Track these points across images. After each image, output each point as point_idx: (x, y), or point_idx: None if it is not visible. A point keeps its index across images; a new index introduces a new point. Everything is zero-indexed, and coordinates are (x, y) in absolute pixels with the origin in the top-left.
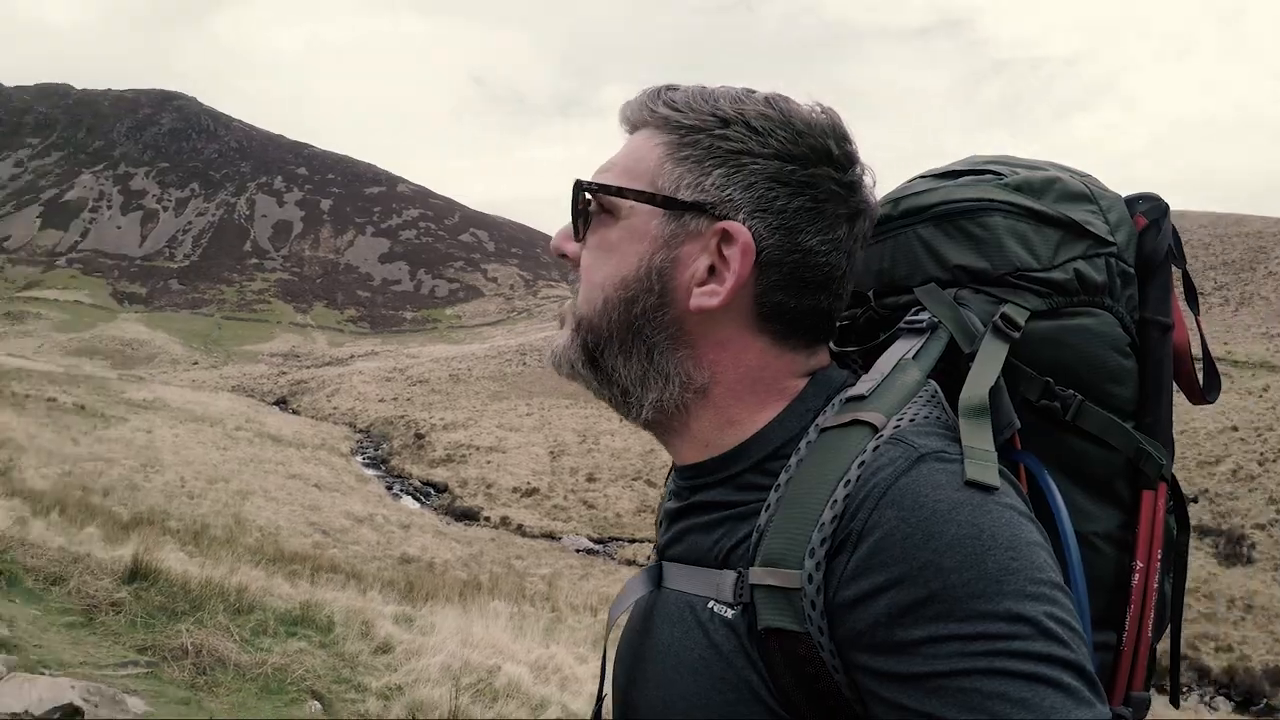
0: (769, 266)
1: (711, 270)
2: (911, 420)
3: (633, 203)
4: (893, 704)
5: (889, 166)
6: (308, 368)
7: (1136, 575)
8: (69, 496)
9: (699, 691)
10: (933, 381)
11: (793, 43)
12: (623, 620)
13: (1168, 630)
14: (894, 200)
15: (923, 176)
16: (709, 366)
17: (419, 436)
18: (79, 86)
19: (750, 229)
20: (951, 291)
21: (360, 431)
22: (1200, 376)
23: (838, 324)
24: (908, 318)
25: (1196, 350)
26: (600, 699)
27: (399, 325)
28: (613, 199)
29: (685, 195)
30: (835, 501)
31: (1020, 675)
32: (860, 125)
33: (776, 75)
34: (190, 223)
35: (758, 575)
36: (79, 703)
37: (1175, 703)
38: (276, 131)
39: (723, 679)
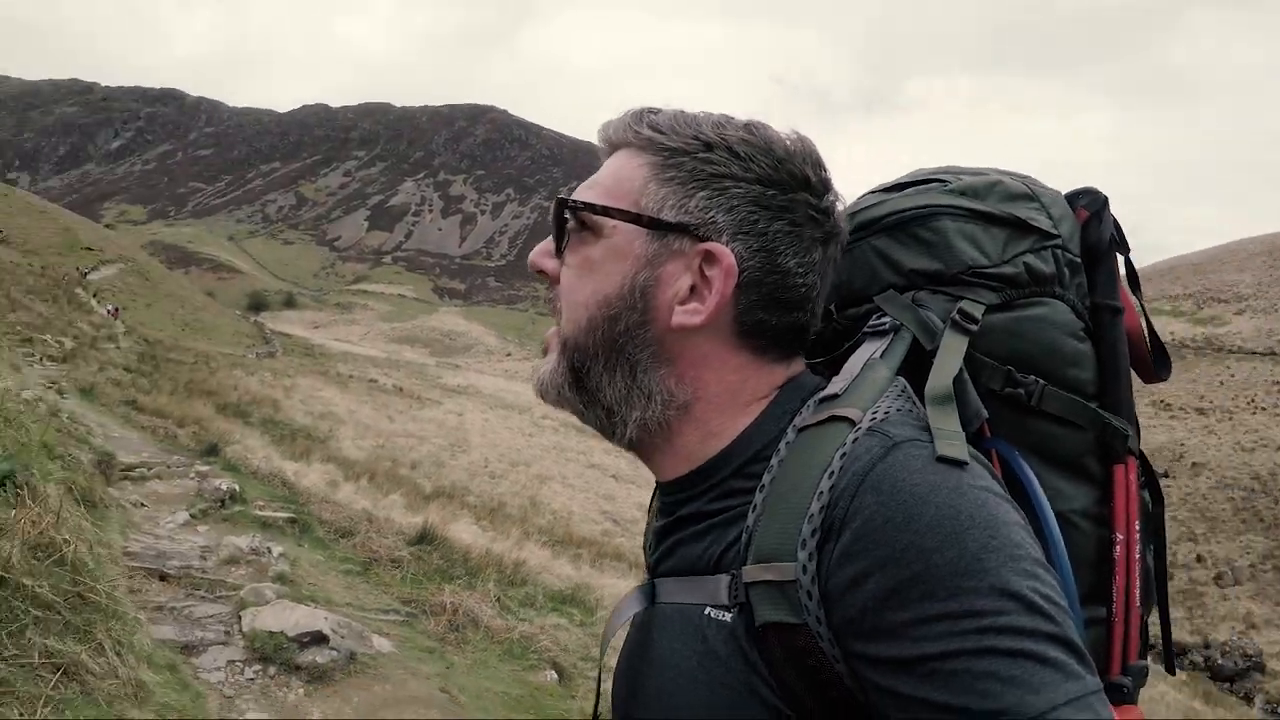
0: (749, 286)
1: (692, 289)
2: (886, 413)
3: (616, 222)
4: (888, 690)
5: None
6: None
7: (1118, 547)
8: (379, 466)
9: (700, 699)
10: (901, 378)
11: (1100, 18)
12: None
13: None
14: (849, 215)
15: (872, 191)
16: (690, 383)
17: None
18: (398, 105)
19: (733, 251)
20: (909, 295)
21: None
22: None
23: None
24: (870, 322)
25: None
26: (596, 717)
27: None
28: (596, 217)
29: (669, 216)
30: (821, 493)
31: (1008, 652)
32: (1183, 108)
33: (1082, 57)
34: (506, 225)
35: (752, 573)
36: (327, 631)
37: (1170, 669)
38: (585, 139)
39: (723, 684)
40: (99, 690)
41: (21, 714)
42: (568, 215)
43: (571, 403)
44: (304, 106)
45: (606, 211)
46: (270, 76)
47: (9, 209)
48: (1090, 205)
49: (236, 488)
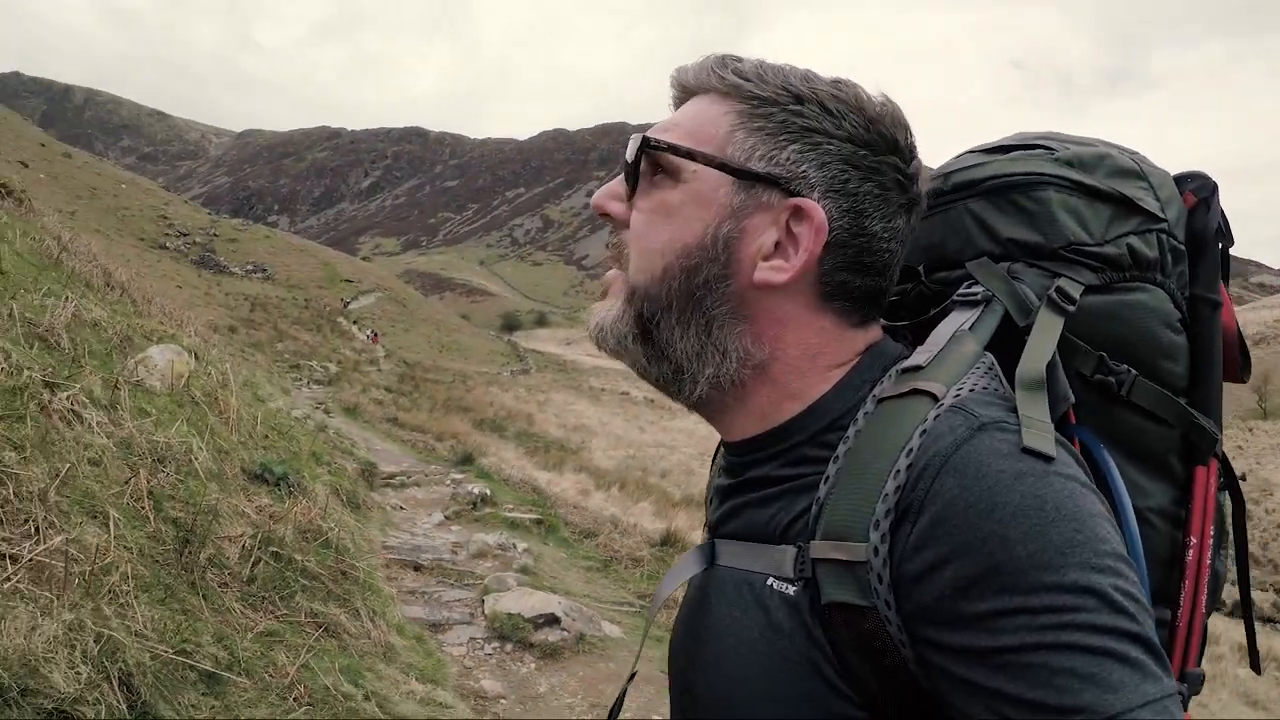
0: (836, 247)
1: (777, 245)
2: (971, 390)
3: (698, 167)
4: (961, 679)
5: None
6: None
7: (1190, 551)
8: (629, 476)
9: (761, 671)
10: (989, 354)
11: None
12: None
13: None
14: (944, 175)
15: (971, 151)
16: (769, 342)
17: None
18: (633, 122)
19: (823, 208)
20: (1004, 265)
21: None
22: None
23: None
24: (961, 290)
25: None
26: (632, 676)
27: None
28: (678, 160)
29: (758, 166)
30: (898, 471)
31: (1087, 649)
32: None
33: None
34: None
35: (820, 549)
36: (560, 614)
37: (1257, 669)
38: None
39: (785, 658)
40: (353, 647)
41: (287, 657)
42: (645, 156)
43: (634, 355)
44: (543, 133)
45: (691, 155)
46: (507, 107)
47: (272, 249)
48: (1199, 191)
49: (488, 492)
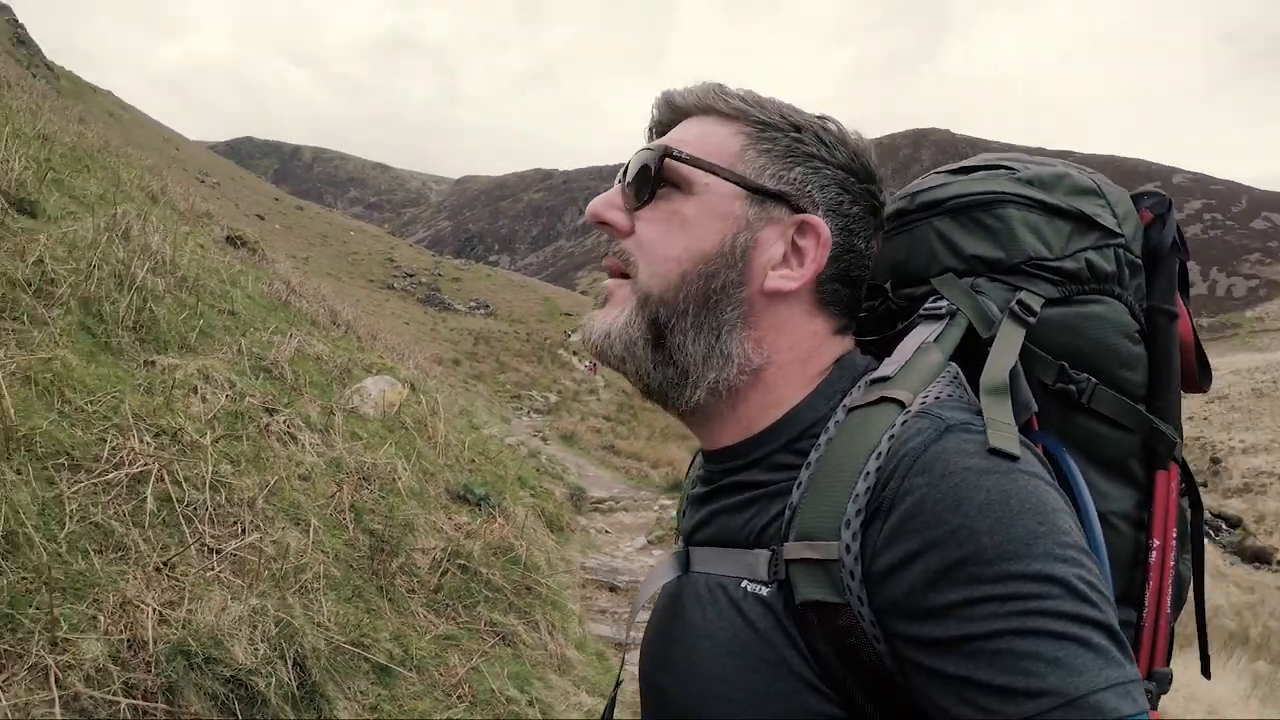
0: (832, 260)
1: (783, 257)
2: (937, 397)
3: (711, 180)
4: (930, 670)
5: None
6: None
7: (1154, 553)
8: None
9: (735, 671)
10: (954, 364)
11: None
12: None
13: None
14: (910, 195)
15: (936, 173)
16: (766, 348)
17: (1214, 462)
18: None
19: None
20: (968, 280)
21: None
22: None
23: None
24: (926, 305)
25: None
26: (618, 684)
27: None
28: (692, 173)
29: (770, 183)
30: (868, 473)
31: (1052, 634)
32: None
33: None
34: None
35: (793, 550)
36: None
37: (1206, 673)
38: (1035, 146)
39: (760, 657)
40: (527, 656)
41: (459, 659)
42: (661, 167)
43: (639, 361)
44: None
45: (713, 169)
46: None
47: (494, 286)
48: (1155, 208)
49: None
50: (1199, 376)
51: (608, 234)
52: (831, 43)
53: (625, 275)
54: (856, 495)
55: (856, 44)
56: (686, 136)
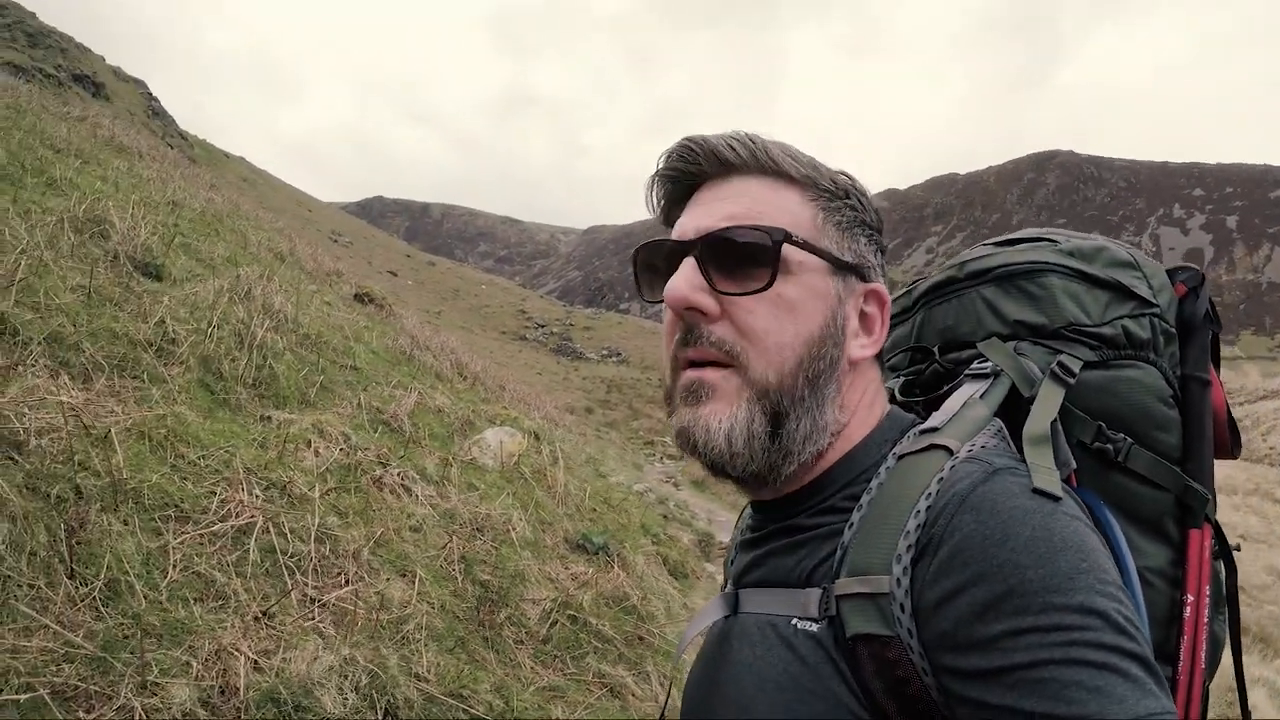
0: None
1: (860, 323)
2: (983, 446)
3: (805, 258)
4: (975, 701)
5: None
6: (1240, 404)
7: (1188, 609)
8: None
9: (784, 704)
10: (998, 419)
11: None
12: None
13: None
14: (959, 264)
15: (984, 244)
16: (848, 408)
17: None
18: (963, 172)
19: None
20: (1012, 344)
21: None
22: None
23: (904, 378)
24: (972, 366)
25: None
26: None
27: None
28: (794, 254)
29: (849, 258)
30: (918, 512)
31: (1093, 664)
32: None
33: None
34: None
35: (844, 586)
36: None
37: None
38: (1160, 160)
39: (810, 691)
40: (636, 709)
41: (564, 711)
42: (779, 253)
43: (755, 453)
44: (874, 195)
45: (818, 251)
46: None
47: (625, 334)
48: (1189, 281)
49: None
50: (1231, 443)
51: (689, 320)
52: (942, 73)
53: (721, 364)
54: (907, 532)
55: (968, 72)
56: (765, 209)
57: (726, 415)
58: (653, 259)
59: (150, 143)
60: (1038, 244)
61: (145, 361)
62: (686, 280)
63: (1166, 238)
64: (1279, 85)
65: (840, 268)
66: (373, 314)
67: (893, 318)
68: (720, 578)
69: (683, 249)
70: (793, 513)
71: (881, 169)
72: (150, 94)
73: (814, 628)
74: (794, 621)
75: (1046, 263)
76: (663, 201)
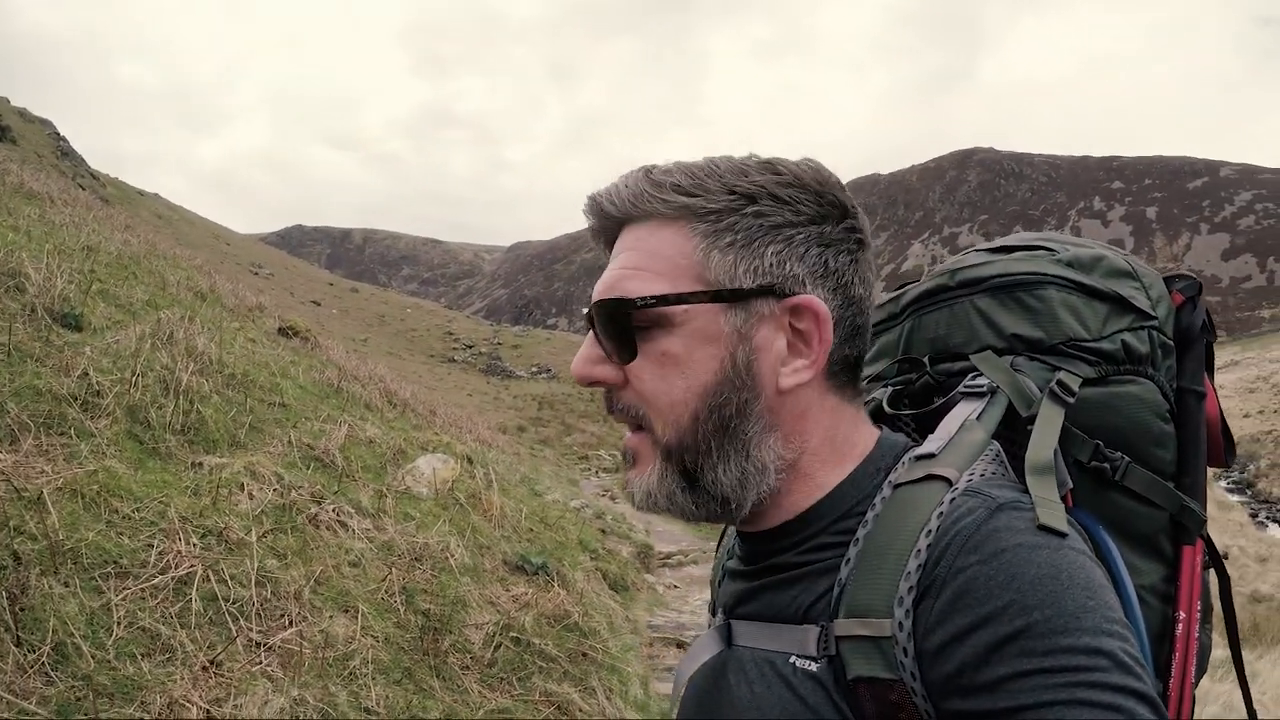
0: (836, 326)
1: (789, 347)
2: (982, 475)
3: (687, 306)
4: None
5: None
6: None
7: (1180, 625)
8: None
9: None
10: (996, 443)
11: None
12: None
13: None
14: (950, 271)
15: (976, 250)
16: (796, 439)
17: None
18: (885, 172)
19: (819, 296)
20: (1008, 359)
21: None
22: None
23: (891, 389)
24: (967, 382)
25: None
26: None
27: (1258, 327)
28: (668, 309)
29: (747, 282)
30: (919, 551)
31: (1100, 705)
32: None
33: None
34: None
35: (845, 627)
36: None
37: None
38: (1080, 154)
39: None
40: None
41: None
42: (630, 321)
43: (683, 505)
44: None
45: (681, 298)
46: None
47: (554, 349)
48: (1186, 290)
49: None
50: (1225, 453)
51: (598, 389)
52: (864, 72)
53: (641, 427)
54: (909, 573)
55: (890, 71)
56: (643, 261)
57: (645, 477)
58: None
59: (61, 185)
60: (1034, 253)
61: (71, 417)
62: (583, 359)
63: (1087, 230)
64: (1197, 78)
65: (735, 298)
66: (298, 347)
67: (879, 325)
68: (661, 589)
69: (589, 321)
70: (782, 548)
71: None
72: (58, 134)
73: (813, 667)
74: (792, 659)
75: (1045, 274)
76: (606, 249)
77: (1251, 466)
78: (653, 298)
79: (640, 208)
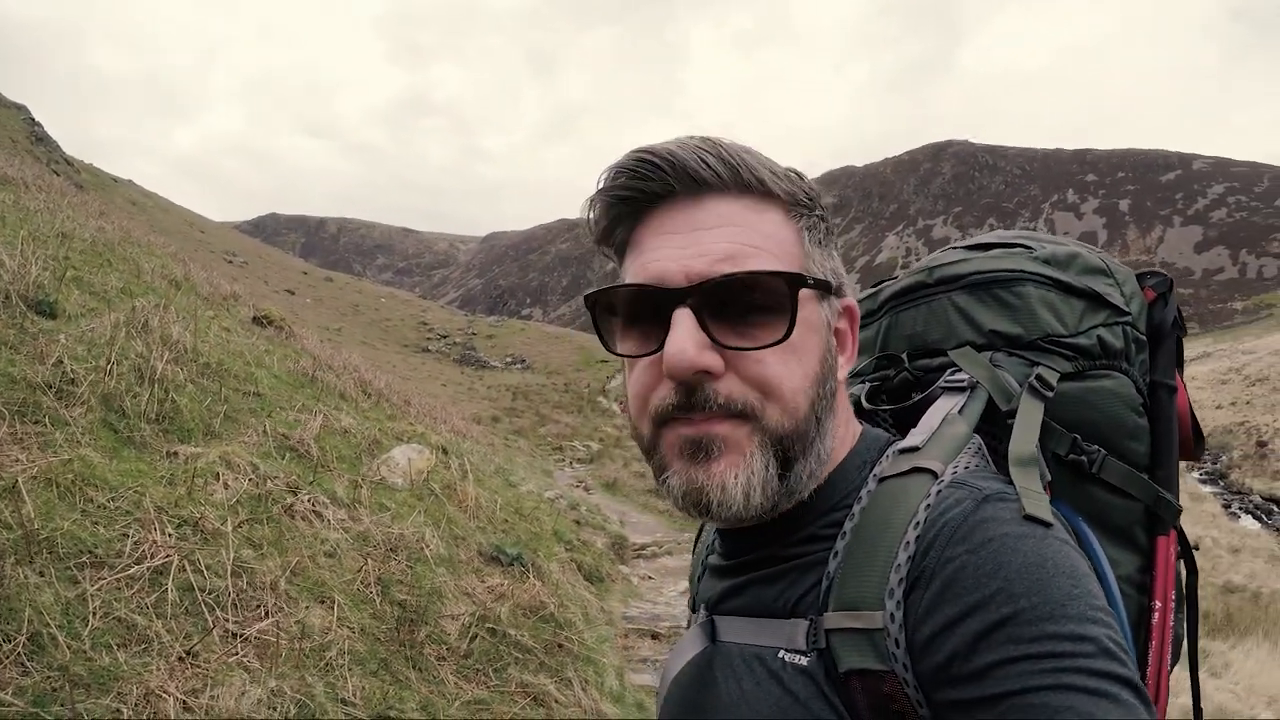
0: None
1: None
2: (966, 467)
3: (803, 292)
4: None
5: None
6: None
7: (1156, 614)
8: None
9: None
10: (977, 436)
11: None
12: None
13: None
14: (928, 269)
15: (953, 248)
16: (833, 432)
17: (1260, 445)
18: (860, 164)
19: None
20: (987, 355)
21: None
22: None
23: (869, 384)
24: (946, 377)
25: None
26: None
27: (1230, 319)
28: (803, 291)
29: (832, 279)
30: (908, 543)
31: (1084, 690)
32: None
33: None
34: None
35: (835, 620)
36: None
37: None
38: (1053, 147)
39: None
40: (559, 715)
41: None
42: (791, 292)
43: (772, 497)
44: None
45: (820, 285)
46: None
47: (528, 339)
48: (1157, 286)
49: None
50: (1195, 446)
51: (692, 381)
52: (844, 63)
53: (739, 416)
54: (898, 565)
55: (869, 61)
56: (756, 240)
57: (742, 469)
58: (622, 305)
59: (35, 171)
60: (1011, 250)
61: (46, 405)
62: (692, 340)
63: (1061, 222)
64: (1171, 72)
65: (827, 292)
66: (272, 336)
67: None
68: (635, 580)
69: (671, 298)
70: (771, 542)
71: (783, 163)
72: (32, 119)
73: (803, 661)
74: (781, 653)
75: (1023, 271)
76: (603, 222)
77: (1224, 458)
78: (811, 278)
79: (745, 179)
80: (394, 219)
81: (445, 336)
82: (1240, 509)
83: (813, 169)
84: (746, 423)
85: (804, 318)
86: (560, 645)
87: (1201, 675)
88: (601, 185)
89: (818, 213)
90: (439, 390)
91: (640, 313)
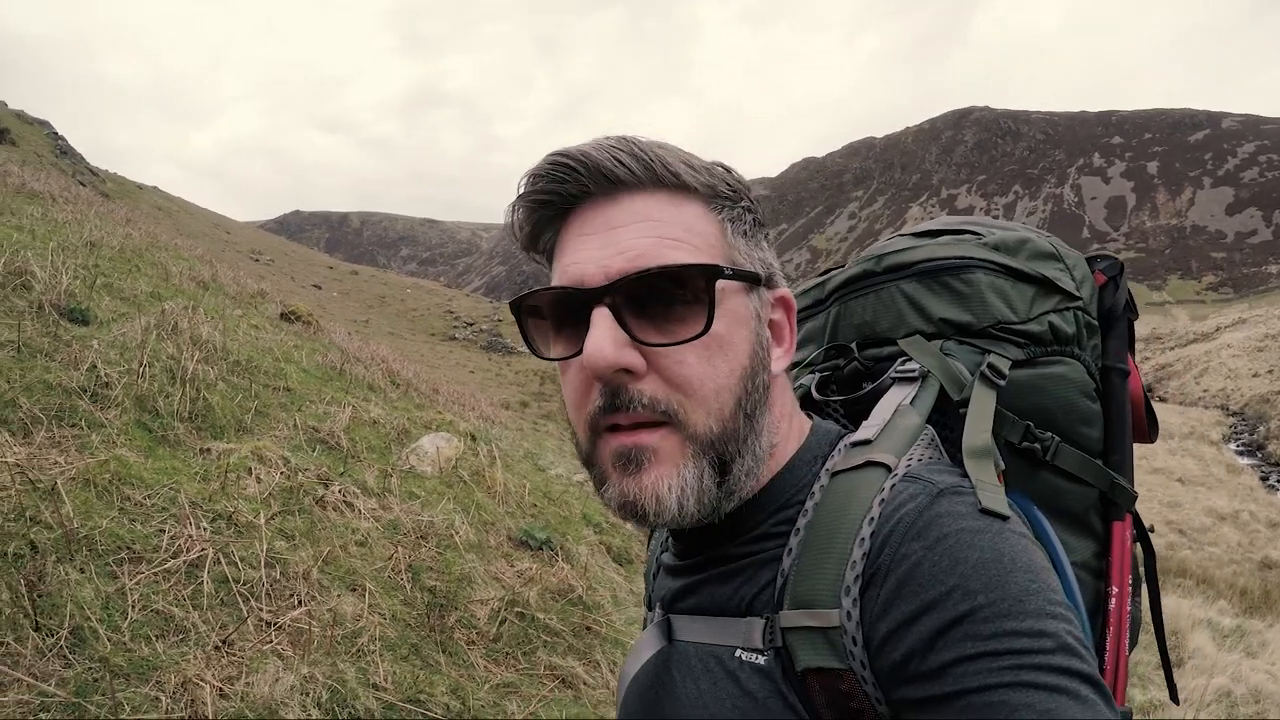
0: None
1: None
2: (920, 460)
3: (725, 284)
4: None
5: None
6: (1171, 348)
7: (1113, 600)
8: None
9: None
10: (930, 427)
11: None
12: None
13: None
14: (876, 256)
15: (900, 235)
16: (774, 425)
17: None
18: (880, 135)
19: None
20: (937, 343)
21: (1233, 414)
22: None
23: (819, 375)
24: (897, 367)
25: None
26: None
27: (1265, 284)
28: (725, 284)
29: (759, 269)
30: (863, 539)
31: (1043, 687)
32: None
33: None
34: (1023, 223)
35: (791, 618)
36: None
37: (1175, 699)
38: (1077, 110)
39: None
40: (588, 697)
41: (518, 706)
42: (714, 294)
43: (711, 504)
44: (792, 165)
45: (739, 275)
46: (752, 148)
47: None
48: (1108, 270)
49: None
50: (1148, 428)
51: (613, 382)
52: (855, 35)
53: (655, 424)
54: (854, 562)
55: (882, 31)
56: (675, 233)
57: (674, 478)
58: (548, 310)
59: (61, 183)
60: (960, 237)
61: (82, 409)
62: (610, 339)
63: (1088, 187)
64: (1197, 28)
65: (754, 283)
66: (300, 331)
67: (805, 310)
68: None
69: (588, 297)
70: (723, 540)
71: (798, 138)
72: (56, 133)
73: (760, 660)
74: (737, 653)
75: (972, 258)
76: (526, 228)
77: (1261, 428)
78: (730, 268)
79: (659, 174)
80: (414, 210)
81: (472, 324)
82: (1279, 481)
83: (830, 143)
84: (675, 431)
85: (728, 310)
86: (588, 628)
87: (1237, 655)
88: (521, 191)
89: (743, 204)
90: (467, 377)
91: (565, 316)
